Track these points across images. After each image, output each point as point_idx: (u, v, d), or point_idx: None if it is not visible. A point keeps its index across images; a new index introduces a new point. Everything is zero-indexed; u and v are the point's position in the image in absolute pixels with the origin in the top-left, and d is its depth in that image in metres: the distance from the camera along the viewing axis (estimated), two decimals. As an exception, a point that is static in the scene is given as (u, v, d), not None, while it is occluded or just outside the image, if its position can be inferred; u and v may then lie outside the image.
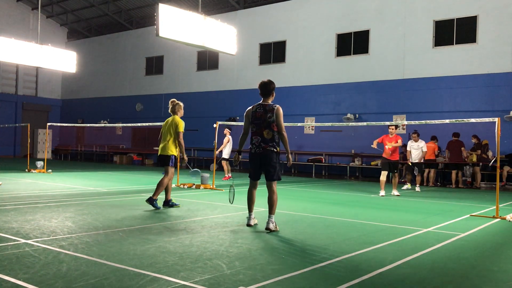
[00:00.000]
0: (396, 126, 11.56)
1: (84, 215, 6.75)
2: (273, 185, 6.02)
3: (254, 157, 6.05)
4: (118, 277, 3.66)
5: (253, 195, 6.18)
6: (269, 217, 5.93)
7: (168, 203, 7.95)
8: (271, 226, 5.85)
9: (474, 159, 14.60)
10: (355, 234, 5.89)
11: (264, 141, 5.96)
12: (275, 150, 5.96)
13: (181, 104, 8.18)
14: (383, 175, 11.41)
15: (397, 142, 11.29)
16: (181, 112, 8.13)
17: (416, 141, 13.53)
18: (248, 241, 5.23)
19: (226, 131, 15.45)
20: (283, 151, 6.29)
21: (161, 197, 8.17)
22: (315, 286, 3.64)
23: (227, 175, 15.55)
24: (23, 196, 8.92)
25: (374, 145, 11.55)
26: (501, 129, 8.29)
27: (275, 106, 6.01)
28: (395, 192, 11.48)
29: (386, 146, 11.39)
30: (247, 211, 6.25)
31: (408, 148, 13.55)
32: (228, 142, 15.35)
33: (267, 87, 6.10)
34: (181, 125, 7.87)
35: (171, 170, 7.87)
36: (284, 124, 6.03)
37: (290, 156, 6.20)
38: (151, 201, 7.57)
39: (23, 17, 29.42)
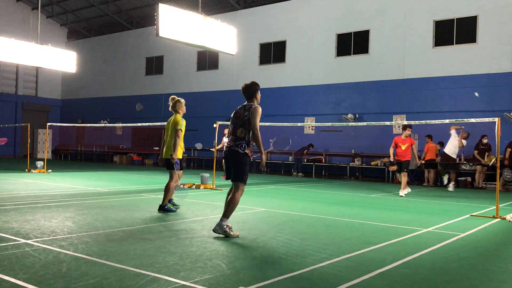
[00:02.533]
0: (409, 127, 11.45)
1: (84, 215, 6.74)
2: (236, 187, 5.57)
3: (224, 157, 5.79)
4: (118, 277, 3.66)
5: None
6: (221, 219, 5.44)
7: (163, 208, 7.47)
8: (218, 229, 5.38)
9: (492, 159, 14.08)
10: (355, 234, 5.89)
11: (234, 140, 5.60)
12: (240, 150, 5.52)
13: (182, 100, 7.65)
14: (402, 176, 11.46)
15: (411, 145, 11.39)
16: (182, 110, 7.61)
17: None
18: (248, 241, 5.23)
19: (227, 130, 15.43)
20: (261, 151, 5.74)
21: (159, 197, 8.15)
22: (315, 286, 3.63)
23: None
24: (23, 196, 8.92)
25: (391, 154, 11.57)
26: (501, 129, 8.29)
27: (254, 105, 5.68)
28: (401, 192, 11.37)
29: (402, 147, 11.29)
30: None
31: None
32: None
33: (248, 90, 5.77)
34: (181, 122, 7.37)
35: (178, 173, 7.55)
36: (260, 124, 5.60)
37: (263, 156, 5.66)
38: (162, 208, 7.30)
39: (23, 17, 29.42)
